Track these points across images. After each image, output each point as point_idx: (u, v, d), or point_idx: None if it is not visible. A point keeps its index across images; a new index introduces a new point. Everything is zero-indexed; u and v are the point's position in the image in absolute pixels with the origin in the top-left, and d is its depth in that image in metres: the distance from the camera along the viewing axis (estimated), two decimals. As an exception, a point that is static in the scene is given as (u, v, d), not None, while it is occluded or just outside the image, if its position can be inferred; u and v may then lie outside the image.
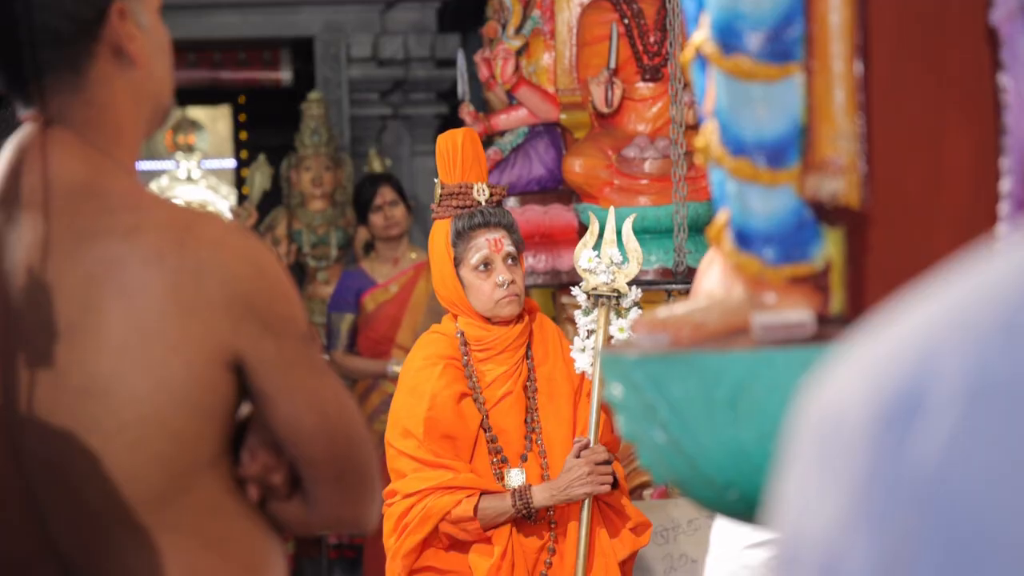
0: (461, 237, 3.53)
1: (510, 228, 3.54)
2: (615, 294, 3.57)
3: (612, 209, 3.73)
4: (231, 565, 1.79)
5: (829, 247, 1.50)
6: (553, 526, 3.52)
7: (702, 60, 1.55)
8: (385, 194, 6.75)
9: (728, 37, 1.48)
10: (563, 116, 5.59)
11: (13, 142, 1.78)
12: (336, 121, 8.44)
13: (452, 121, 7.28)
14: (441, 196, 3.58)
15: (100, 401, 1.69)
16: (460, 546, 3.48)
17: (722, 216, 1.54)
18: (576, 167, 5.36)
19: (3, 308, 1.72)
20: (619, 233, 3.63)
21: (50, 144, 1.75)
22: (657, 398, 1.47)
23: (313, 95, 8.05)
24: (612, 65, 5.41)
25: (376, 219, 6.74)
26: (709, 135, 1.53)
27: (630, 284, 3.59)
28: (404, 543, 3.47)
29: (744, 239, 1.50)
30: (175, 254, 1.70)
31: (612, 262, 3.59)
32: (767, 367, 1.44)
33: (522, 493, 3.44)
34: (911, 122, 1.51)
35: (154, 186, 12.79)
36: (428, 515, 3.42)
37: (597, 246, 3.64)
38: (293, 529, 1.87)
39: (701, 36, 1.53)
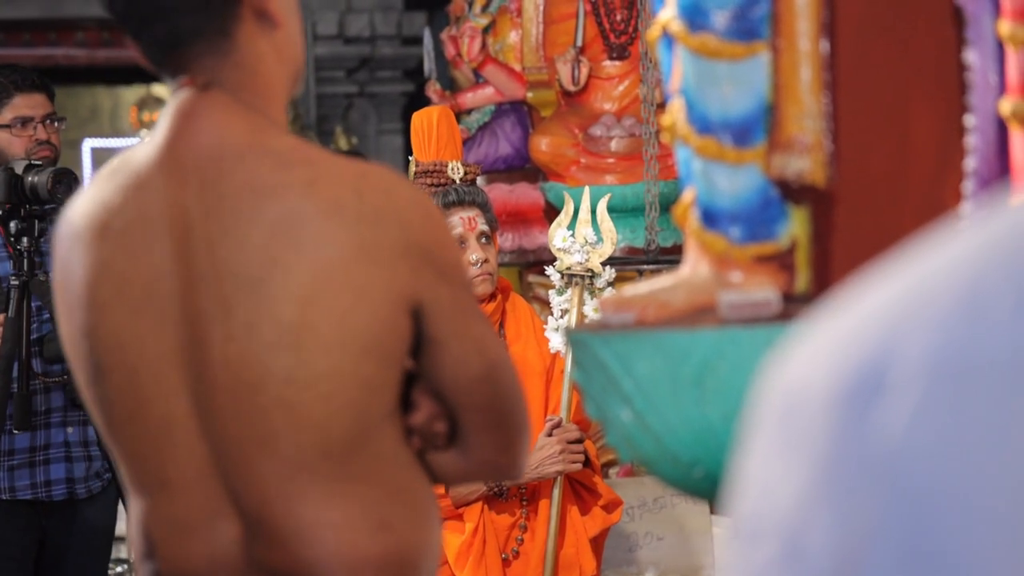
0: None
1: (484, 207, 3.54)
2: (589, 274, 3.57)
3: (586, 189, 3.73)
4: (415, 514, 1.83)
5: (795, 226, 1.50)
6: (525, 503, 3.53)
7: (668, 38, 1.54)
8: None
9: (694, 15, 1.48)
10: (530, 94, 5.59)
11: (172, 107, 1.81)
12: (302, 99, 8.41)
13: (418, 99, 7.26)
14: (416, 174, 3.58)
15: (293, 353, 1.71)
16: None
17: (688, 195, 1.54)
18: (542, 146, 5.36)
19: (187, 270, 1.75)
20: (593, 213, 3.63)
21: (211, 107, 1.79)
22: (623, 376, 1.47)
23: (279, 73, 7.99)
24: (579, 43, 5.40)
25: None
26: (675, 113, 1.53)
27: (604, 264, 3.59)
28: None
29: (710, 217, 1.50)
30: (354, 204, 1.73)
31: (587, 242, 3.59)
32: (733, 345, 1.44)
33: None
34: (877, 101, 1.51)
35: (119, 164, 12.72)
36: None
37: (571, 226, 3.64)
38: (446, 479, 1.90)
39: (668, 14, 1.53)
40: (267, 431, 1.74)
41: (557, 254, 3.62)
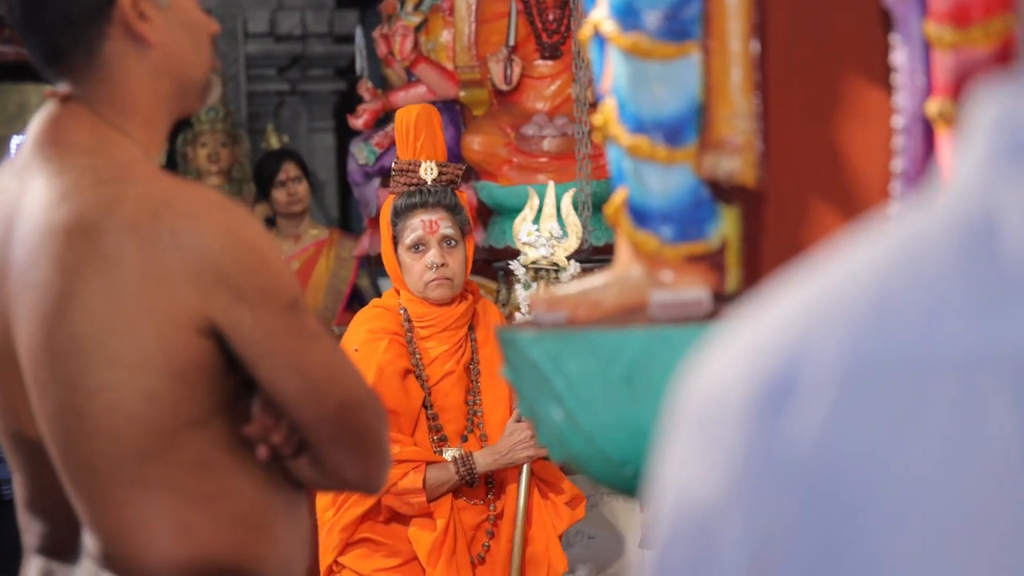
0: (399, 216, 3.51)
1: (453, 209, 3.50)
2: (554, 268, 3.57)
3: (551, 184, 3.73)
4: (220, 520, 1.87)
5: (725, 225, 1.51)
6: (493, 507, 3.51)
7: (600, 38, 1.55)
8: (289, 170, 6.70)
9: (626, 15, 1.48)
10: (462, 93, 5.58)
11: (38, 117, 1.91)
12: (233, 97, 8.36)
13: (350, 98, 7.24)
14: (393, 171, 3.55)
15: (80, 363, 1.79)
16: (399, 519, 3.47)
17: (620, 194, 1.54)
18: (475, 145, 5.35)
19: (8, 274, 1.85)
20: (558, 208, 3.63)
21: (63, 118, 1.88)
22: (555, 375, 1.47)
23: (210, 70, 7.94)
24: (511, 42, 5.40)
25: (279, 195, 6.70)
26: (607, 113, 1.53)
27: (569, 258, 3.60)
28: (343, 516, 3.45)
29: (641, 217, 1.51)
30: (149, 226, 1.79)
31: (552, 236, 3.59)
32: (663, 344, 1.44)
33: (464, 459, 3.43)
34: (807, 101, 1.52)
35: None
36: None
37: (536, 220, 3.63)
38: (310, 487, 1.96)
39: (600, 14, 1.53)
40: (65, 435, 1.83)
41: (522, 248, 3.62)
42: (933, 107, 1.41)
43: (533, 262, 3.60)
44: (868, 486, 0.63)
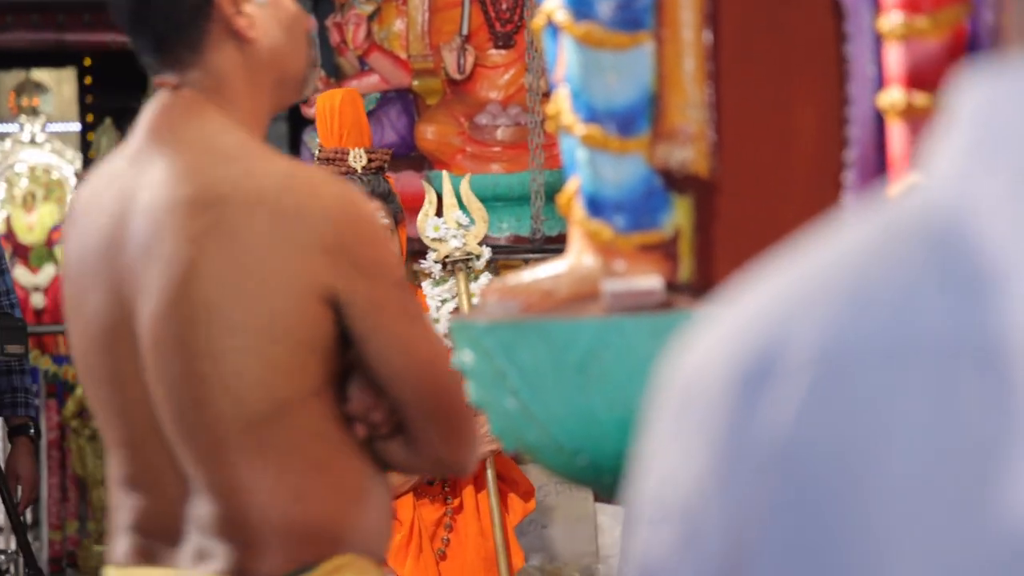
0: None
1: (386, 197, 3.42)
2: (470, 256, 3.53)
3: (445, 174, 3.69)
4: (332, 489, 1.96)
5: (678, 215, 1.51)
6: (449, 500, 3.49)
7: (554, 27, 1.55)
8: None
9: (580, 5, 1.48)
10: (415, 82, 5.57)
11: (150, 104, 2.03)
12: (185, 85, 8.32)
13: (303, 86, 7.22)
14: (317, 160, 3.47)
15: (207, 329, 1.88)
16: None
17: (573, 184, 1.54)
18: (428, 134, 5.35)
19: (123, 251, 1.94)
20: (458, 195, 3.58)
21: (176, 105, 2.00)
22: (508, 365, 1.47)
23: (161, 58, 7.90)
24: (464, 32, 5.40)
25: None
26: (560, 102, 1.53)
27: (480, 243, 3.55)
28: None
29: (595, 207, 1.51)
30: (273, 198, 1.89)
31: (459, 225, 3.55)
32: (617, 334, 1.45)
33: None
34: (759, 91, 1.52)
35: (-3, 150, 12.51)
36: None
37: (439, 213, 3.59)
38: (395, 467, 2.03)
39: (553, 3, 1.53)
40: (190, 401, 1.90)
41: (432, 245, 3.56)
42: (885, 98, 1.42)
43: (447, 256, 3.55)
44: (845, 471, 0.64)
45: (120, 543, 2.02)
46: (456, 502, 3.50)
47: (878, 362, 0.64)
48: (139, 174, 1.96)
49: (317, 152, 3.48)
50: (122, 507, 2.02)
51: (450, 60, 5.38)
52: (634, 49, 1.49)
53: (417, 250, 3.71)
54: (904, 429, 0.63)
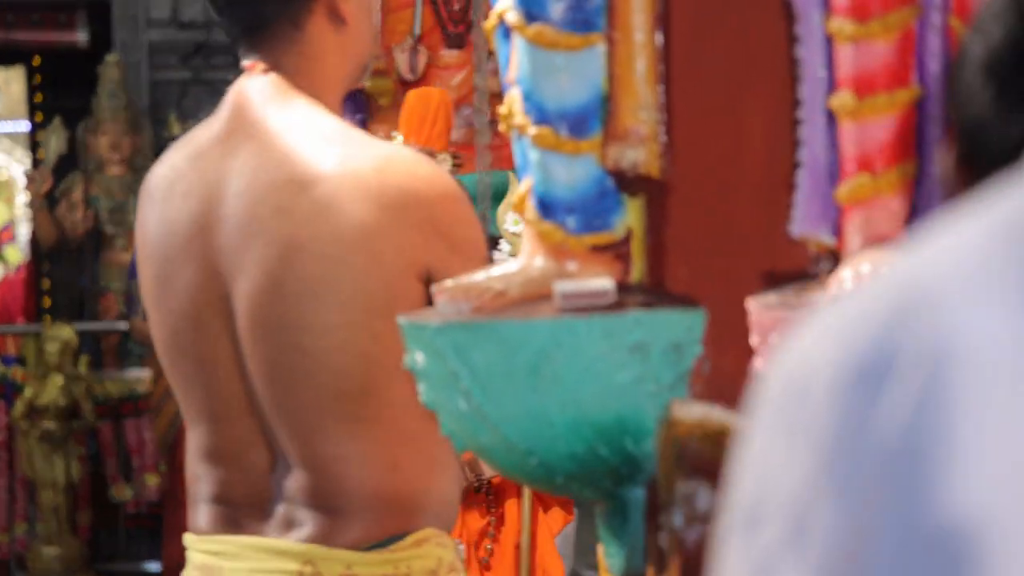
0: None
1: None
2: None
3: (511, 173, 3.65)
4: (422, 460, 2.03)
5: (630, 216, 1.51)
6: (491, 499, 3.46)
7: (505, 28, 1.55)
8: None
9: (531, 6, 1.49)
10: (367, 83, 5.56)
11: (236, 87, 2.07)
12: (135, 85, 8.27)
13: (254, 86, 7.19)
14: None
15: (311, 304, 1.94)
16: None
17: (525, 184, 1.54)
18: (381, 134, 5.34)
19: (218, 228, 1.99)
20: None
21: (266, 89, 2.03)
22: (460, 366, 1.47)
23: (110, 58, 7.87)
24: (417, 32, 5.39)
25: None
26: (512, 103, 1.53)
27: None
28: None
29: (546, 208, 1.51)
30: (376, 180, 1.95)
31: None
32: (569, 335, 1.45)
33: (472, 465, 3.36)
34: (710, 93, 1.53)
35: (-56, 149, 12.41)
36: None
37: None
38: None
39: (504, 4, 1.53)
40: (289, 373, 1.97)
41: (510, 238, 3.51)
42: (835, 100, 1.43)
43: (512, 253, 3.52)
44: (963, 471, 0.62)
45: (202, 513, 2.07)
46: (499, 512, 3.47)
47: (991, 362, 0.63)
48: (228, 157, 2.00)
49: (397, 143, 3.40)
50: (204, 479, 2.07)
51: (402, 61, 5.38)
52: (586, 50, 1.49)
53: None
54: (1020, 427, 0.62)
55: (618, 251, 1.51)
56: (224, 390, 2.03)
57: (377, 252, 1.94)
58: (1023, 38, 0.76)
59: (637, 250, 1.51)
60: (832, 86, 1.44)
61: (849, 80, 1.41)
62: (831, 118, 1.45)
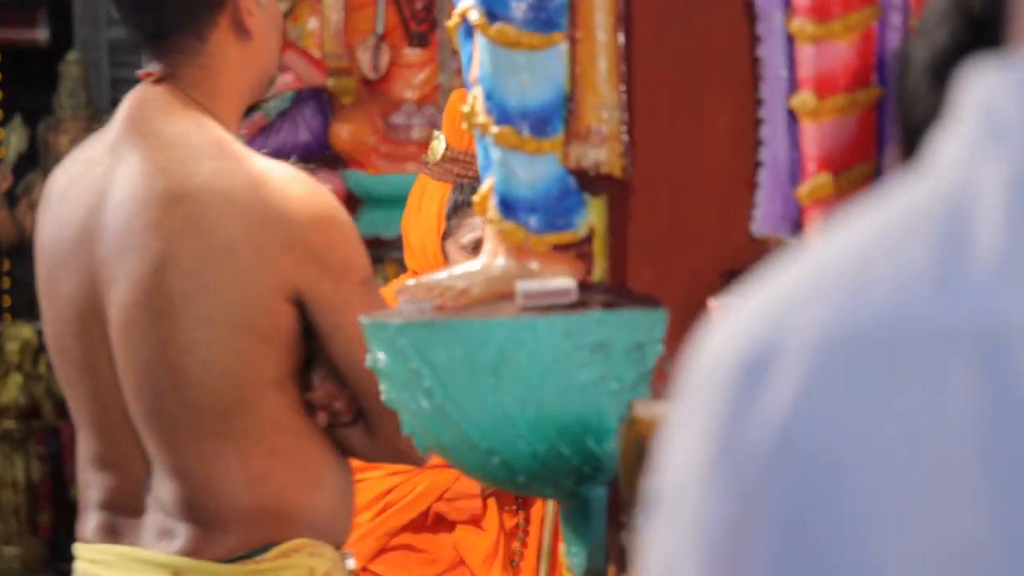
0: (457, 211, 3.28)
1: None
2: None
3: None
4: (292, 474, 2.03)
5: (592, 215, 1.52)
6: (520, 500, 3.45)
7: (468, 27, 1.55)
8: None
9: (494, 5, 1.48)
10: (330, 82, 5.55)
11: (131, 94, 2.06)
12: (96, 83, 8.23)
13: (217, 85, 7.17)
14: (446, 156, 3.30)
15: (176, 320, 1.94)
16: (443, 525, 3.37)
17: (487, 183, 1.54)
18: (343, 133, 5.33)
19: (96, 240, 1.99)
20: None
21: (158, 99, 2.03)
22: (421, 364, 1.47)
23: (71, 56, 7.82)
24: (379, 31, 5.38)
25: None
26: (474, 102, 1.53)
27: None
28: (388, 521, 3.31)
29: (508, 207, 1.51)
30: (246, 197, 1.94)
31: None
32: (530, 333, 1.45)
33: None
34: (672, 93, 1.53)
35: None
36: (427, 492, 3.27)
37: None
38: (356, 454, 2.11)
39: (467, 3, 1.53)
40: (156, 387, 1.97)
41: None
42: (796, 99, 1.43)
43: None
44: (837, 463, 0.64)
45: (89, 520, 2.08)
46: (528, 512, 3.47)
47: (874, 352, 0.65)
48: (115, 165, 1.99)
49: (443, 149, 3.34)
50: (91, 485, 2.08)
51: (365, 59, 5.37)
52: (548, 50, 1.49)
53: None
54: (896, 420, 0.63)
55: (580, 250, 1.51)
56: (104, 397, 2.03)
57: (242, 271, 1.94)
58: (966, 41, 0.77)
59: (599, 249, 1.52)
60: (793, 86, 1.44)
61: (810, 80, 1.42)
62: (792, 118, 1.45)
